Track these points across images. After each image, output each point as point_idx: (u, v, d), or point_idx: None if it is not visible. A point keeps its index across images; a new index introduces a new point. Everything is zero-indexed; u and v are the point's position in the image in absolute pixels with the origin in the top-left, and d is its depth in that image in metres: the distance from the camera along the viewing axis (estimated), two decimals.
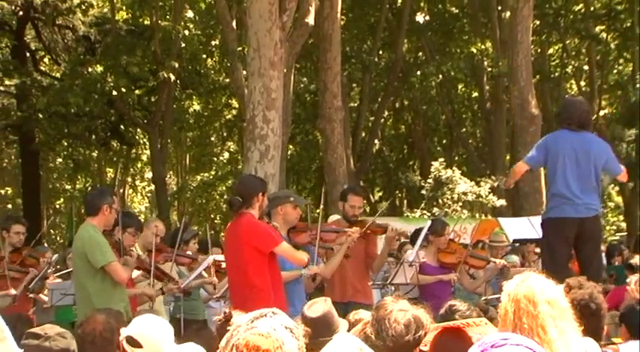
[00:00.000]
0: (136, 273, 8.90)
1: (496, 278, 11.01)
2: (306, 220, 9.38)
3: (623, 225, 35.74)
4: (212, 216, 40.94)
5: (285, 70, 15.90)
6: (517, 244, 11.24)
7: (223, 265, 10.11)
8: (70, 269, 10.86)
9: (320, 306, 5.63)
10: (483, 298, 10.80)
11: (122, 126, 29.97)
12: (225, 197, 37.74)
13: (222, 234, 43.13)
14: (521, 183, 20.38)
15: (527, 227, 9.50)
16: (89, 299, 7.98)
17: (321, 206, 9.87)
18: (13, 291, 9.42)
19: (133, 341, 4.78)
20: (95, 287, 7.99)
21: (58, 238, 45.81)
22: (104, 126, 28.86)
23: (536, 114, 20.63)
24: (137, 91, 28.35)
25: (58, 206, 44.87)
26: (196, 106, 33.12)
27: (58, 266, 10.85)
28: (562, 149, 8.56)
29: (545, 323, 4.04)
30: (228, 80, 27.96)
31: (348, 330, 5.81)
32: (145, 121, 29.04)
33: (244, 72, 18.93)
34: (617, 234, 37.55)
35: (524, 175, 9.09)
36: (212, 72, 30.67)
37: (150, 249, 9.36)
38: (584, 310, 4.85)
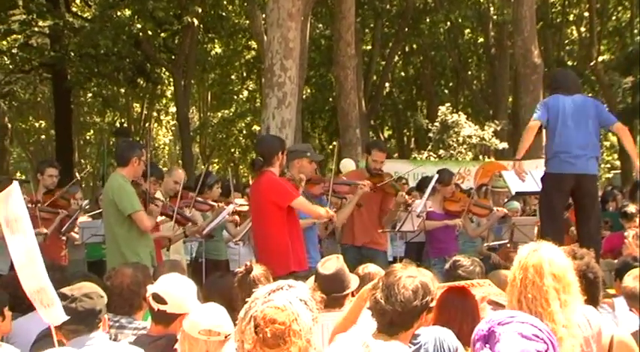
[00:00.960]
0: (160, 219, 8.92)
1: (498, 224, 11.06)
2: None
3: (618, 163, 35.55)
4: (232, 150, 41.04)
5: (302, 19, 15.78)
6: None
7: (244, 208, 10.22)
8: (101, 210, 10.95)
9: (333, 264, 5.64)
10: (485, 244, 10.87)
11: (148, 66, 29.83)
12: (243, 132, 37.84)
13: (242, 170, 43.58)
14: (522, 128, 20.34)
15: (528, 180, 9.46)
16: (117, 244, 8.04)
17: (334, 159, 9.77)
18: (44, 230, 9.45)
19: (158, 298, 4.79)
20: (123, 233, 8.02)
21: (89, 167, 46.05)
22: (131, 66, 28.71)
23: (539, 63, 20.54)
24: (162, 34, 28.20)
25: (88, 137, 45.01)
26: (218, 49, 33.01)
27: (88, 207, 10.84)
28: (560, 109, 8.58)
29: (549, 295, 4.07)
30: (248, 22, 27.79)
31: (359, 285, 5.85)
32: (170, 63, 29.13)
33: (263, 18, 18.95)
34: (611, 172, 37.50)
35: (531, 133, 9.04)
36: (233, 15, 30.41)
37: (171, 196, 9.41)
38: (583, 280, 4.83)
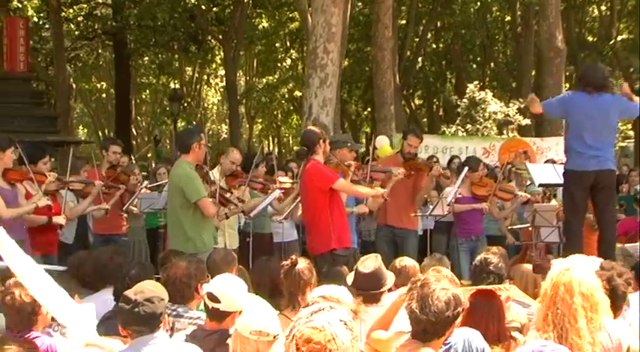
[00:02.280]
0: None
1: (522, 207, 11.02)
2: None
3: (631, 133, 35.03)
4: (274, 112, 41.12)
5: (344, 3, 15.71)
6: None
7: (287, 185, 10.26)
8: (159, 183, 11.02)
9: (371, 263, 5.62)
10: (509, 227, 10.81)
11: (200, 37, 29.87)
12: (286, 97, 37.88)
13: (284, 131, 43.57)
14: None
15: (551, 173, 9.34)
16: (182, 227, 7.96)
17: (371, 150, 9.74)
18: (105, 205, 9.50)
19: (212, 297, 4.82)
20: (188, 217, 7.94)
21: (144, 123, 46.25)
22: (185, 36, 28.77)
23: (562, 47, 20.29)
24: (215, 9, 28.27)
25: (144, 97, 45.17)
26: (265, 23, 32.90)
27: (147, 183, 10.88)
28: (579, 108, 8.30)
29: (577, 313, 4.05)
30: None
31: (396, 277, 5.87)
32: (221, 34, 29.19)
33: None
34: (625, 141, 36.98)
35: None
36: None
37: (227, 175, 9.43)
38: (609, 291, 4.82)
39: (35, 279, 4.37)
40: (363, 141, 42.00)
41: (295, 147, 46.61)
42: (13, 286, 4.80)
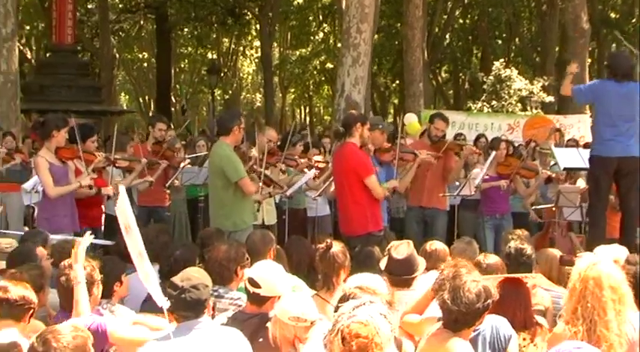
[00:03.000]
0: None
1: (545, 187, 10.92)
2: None
3: None
4: (307, 83, 41.04)
5: None
6: None
7: (321, 165, 10.28)
8: (198, 154, 11.06)
9: (404, 249, 5.59)
10: (533, 207, 10.73)
11: (237, 11, 29.83)
12: (317, 68, 37.78)
13: (315, 101, 43.47)
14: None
15: (576, 157, 9.25)
16: (223, 207, 8.01)
17: (399, 135, 9.64)
18: (149, 178, 9.53)
19: (253, 282, 4.84)
20: (229, 197, 7.96)
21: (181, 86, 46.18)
22: (223, 10, 28.74)
23: (587, 28, 20.05)
24: None
25: (182, 66, 45.17)
26: (299, 0, 32.77)
27: (188, 161, 10.89)
28: (607, 96, 8.20)
29: (607, 306, 4.06)
30: None
31: (427, 261, 5.84)
32: (257, 9, 29.12)
33: None
34: None
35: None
36: None
37: (264, 152, 9.43)
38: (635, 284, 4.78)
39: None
40: (391, 111, 41.96)
41: (326, 117, 46.80)
42: (67, 267, 4.83)
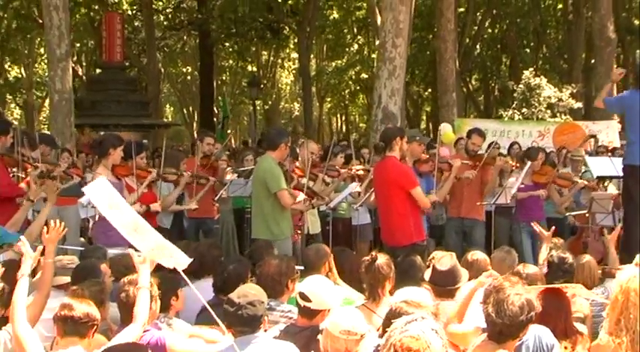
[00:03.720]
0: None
1: (578, 193, 10.81)
2: None
3: None
4: (342, 93, 41.06)
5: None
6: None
7: (360, 173, 10.24)
8: (245, 168, 11.10)
9: (447, 261, 5.57)
10: (567, 214, 10.62)
11: (276, 26, 29.96)
12: (352, 78, 37.79)
13: (350, 109, 43.48)
14: (595, 91, 19.85)
15: (609, 165, 9.18)
16: (264, 216, 8.08)
17: (438, 142, 9.58)
18: (194, 205, 9.63)
19: (304, 296, 4.84)
20: (269, 207, 8.05)
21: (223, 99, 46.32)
22: (263, 26, 28.89)
23: (613, 37, 19.94)
24: (290, 1, 28.25)
25: (224, 78, 45.37)
26: (335, 14, 32.78)
27: (234, 171, 10.93)
28: (635, 106, 8.06)
29: None
30: None
31: (468, 270, 5.81)
32: (296, 25, 29.22)
33: None
34: None
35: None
36: None
37: (308, 165, 9.43)
38: None
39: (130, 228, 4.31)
40: (424, 118, 41.84)
41: (362, 124, 46.82)
42: (127, 284, 4.84)
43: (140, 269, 4.65)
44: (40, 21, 27.56)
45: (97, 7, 29.86)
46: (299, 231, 9.18)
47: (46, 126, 40.33)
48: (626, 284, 4.08)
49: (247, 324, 4.29)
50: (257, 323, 4.36)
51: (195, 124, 43.42)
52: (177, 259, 4.25)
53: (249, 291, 4.49)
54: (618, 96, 8.67)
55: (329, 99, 45.40)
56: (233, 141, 35.32)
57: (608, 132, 16.69)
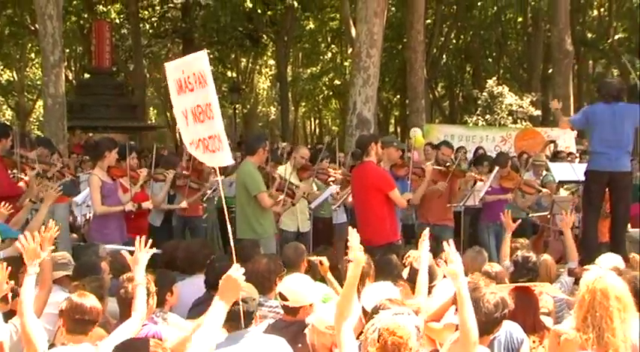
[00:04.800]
0: None
1: (541, 197, 10.89)
2: None
3: None
4: (317, 98, 41.07)
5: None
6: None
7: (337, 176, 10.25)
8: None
9: None
10: (531, 215, 10.70)
11: (256, 36, 29.93)
12: (326, 84, 37.79)
13: (324, 113, 43.44)
14: (553, 99, 19.98)
15: (569, 171, 9.29)
16: (247, 217, 8.11)
17: (413, 147, 9.62)
18: (184, 205, 9.65)
19: (282, 296, 4.88)
20: (250, 209, 8.09)
21: None
22: (243, 35, 28.84)
23: (570, 50, 20.14)
24: (269, 12, 28.20)
25: None
26: (311, 25, 32.78)
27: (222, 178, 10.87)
28: (599, 117, 8.17)
29: (613, 315, 4.04)
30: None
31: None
32: (274, 34, 29.23)
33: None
34: None
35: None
36: None
37: (298, 168, 9.43)
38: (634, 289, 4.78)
39: None
40: (392, 122, 41.90)
41: (334, 127, 46.83)
42: (126, 281, 4.83)
43: (135, 268, 4.64)
44: (32, 28, 27.50)
45: (86, 16, 29.68)
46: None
47: (36, 126, 39.96)
48: (593, 285, 4.13)
49: (239, 320, 4.28)
50: (249, 319, 4.35)
51: (177, 127, 43.12)
52: (221, 155, 4.03)
53: (242, 289, 4.48)
54: (584, 114, 8.61)
55: (304, 104, 45.33)
56: None
57: (565, 138, 16.83)
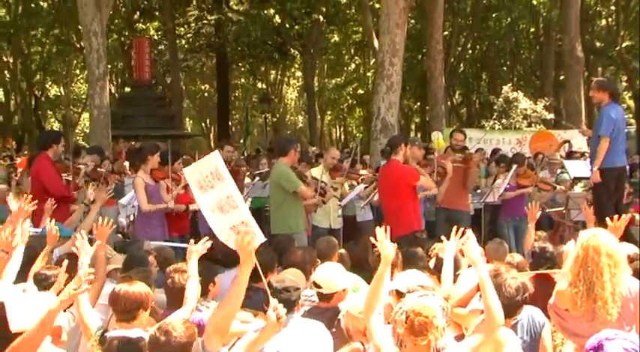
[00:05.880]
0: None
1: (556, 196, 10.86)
2: None
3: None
4: (341, 107, 41.11)
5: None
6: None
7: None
8: (261, 171, 11.13)
9: None
10: (548, 210, 10.66)
11: (284, 48, 30.03)
12: (350, 94, 37.82)
13: (348, 121, 43.46)
14: (564, 103, 19.99)
15: (584, 168, 9.24)
16: (282, 214, 8.20)
17: (437, 149, 9.68)
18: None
19: (315, 284, 4.93)
20: (285, 207, 8.18)
21: (237, 116, 46.40)
22: (272, 48, 28.96)
23: (581, 56, 19.97)
24: (296, 27, 28.31)
25: (237, 94, 45.37)
26: (336, 38, 32.84)
27: (253, 174, 10.96)
28: (615, 117, 8.11)
29: (603, 270, 4.05)
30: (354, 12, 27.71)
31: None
32: (302, 47, 29.34)
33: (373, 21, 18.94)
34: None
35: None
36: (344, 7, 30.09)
37: (330, 169, 9.49)
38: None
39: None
40: (413, 128, 41.82)
41: (358, 134, 46.86)
42: (173, 271, 4.88)
43: (189, 261, 4.71)
44: (78, 45, 27.85)
45: (127, 33, 30.00)
46: None
47: (81, 137, 40.40)
48: (587, 242, 4.14)
49: (287, 306, 4.30)
50: (293, 306, 4.40)
51: (212, 135, 43.39)
52: (256, 235, 4.02)
53: (288, 277, 4.55)
54: (609, 120, 8.20)
55: (329, 113, 45.38)
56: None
57: (577, 139, 16.72)
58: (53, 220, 5.57)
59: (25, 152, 24.47)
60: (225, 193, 3.95)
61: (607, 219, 4.96)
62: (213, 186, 4.00)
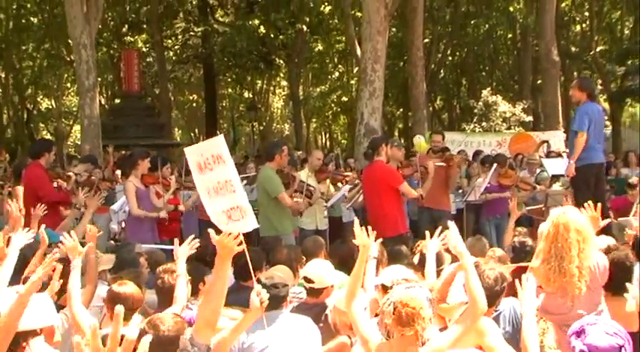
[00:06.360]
0: None
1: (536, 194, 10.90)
2: None
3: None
4: (326, 114, 41.12)
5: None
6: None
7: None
8: (248, 175, 11.10)
9: None
10: (527, 208, 10.70)
11: (269, 58, 30.06)
12: (334, 101, 37.83)
13: (333, 128, 43.42)
14: (542, 105, 20.10)
15: (562, 166, 9.26)
16: (268, 217, 8.17)
17: (417, 158, 9.68)
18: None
19: (307, 279, 4.94)
20: (271, 210, 8.18)
21: (225, 125, 46.32)
22: (257, 58, 28.98)
23: (557, 60, 20.13)
24: (281, 37, 28.31)
25: (223, 104, 45.31)
26: (319, 47, 32.88)
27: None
28: (591, 115, 8.14)
29: (572, 245, 4.12)
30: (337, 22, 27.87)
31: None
32: (286, 57, 29.38)
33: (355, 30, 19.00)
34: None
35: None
36: (328, 17, 30.10)
37: (315, 171, 9.50)
38: (621, 265, 4.80)
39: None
40: (396, 134, 41.92)
41: (343, 141, 46.96)
42: (162, 272, 4.88)
43: (177, 261, 4.70)
44: (68, 59, 27.76)
45: (115, 46, 29.94)
46: None
47: (72, 149, 40.23)
48: (557, 220, 4.21)
49: (270, 302, 4.31)
50: (281, 302, 4.40)
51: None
52: (246, 221, 4.04)
53: (276, 274, 4.55)
54: (584, 116, 8.25)
55: (314, 120, 45.36)
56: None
57: (555, 140, 16.86)
58: (43, 225, 5.55)
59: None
60: (224, 177, 3.94)
61: (584, 207, 4.95)
62: (212, 169, 3.99)
